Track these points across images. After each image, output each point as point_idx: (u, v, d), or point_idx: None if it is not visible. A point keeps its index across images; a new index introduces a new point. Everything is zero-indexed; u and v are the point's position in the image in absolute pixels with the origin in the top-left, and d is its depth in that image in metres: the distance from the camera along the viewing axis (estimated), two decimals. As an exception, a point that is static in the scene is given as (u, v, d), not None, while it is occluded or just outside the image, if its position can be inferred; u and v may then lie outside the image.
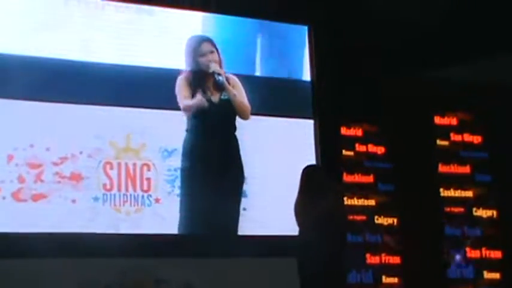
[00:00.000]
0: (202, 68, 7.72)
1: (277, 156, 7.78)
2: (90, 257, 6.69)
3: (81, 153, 7.32)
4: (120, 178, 7.47)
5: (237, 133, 7.81)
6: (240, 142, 7.76)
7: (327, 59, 8.12)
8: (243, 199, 7.63)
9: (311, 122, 8.11)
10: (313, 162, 7.77)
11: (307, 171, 5.73)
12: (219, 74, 7.66)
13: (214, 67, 7.67)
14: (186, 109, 7.66)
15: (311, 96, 8.16)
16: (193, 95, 7.68)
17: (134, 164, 7.53)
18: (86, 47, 7.50)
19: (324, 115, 8.06)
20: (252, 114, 7.81)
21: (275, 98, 8.02)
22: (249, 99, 7.78)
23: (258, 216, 7.60)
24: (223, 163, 7.66)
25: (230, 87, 7.73)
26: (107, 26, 7.59)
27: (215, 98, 7.73)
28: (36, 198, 7.07)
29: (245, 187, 7.68)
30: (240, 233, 7.54)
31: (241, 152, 7.72)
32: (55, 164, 7.20)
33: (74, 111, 7.37)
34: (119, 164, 7.48)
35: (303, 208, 5.59)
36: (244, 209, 7.65)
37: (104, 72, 7.51)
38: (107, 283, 6.66)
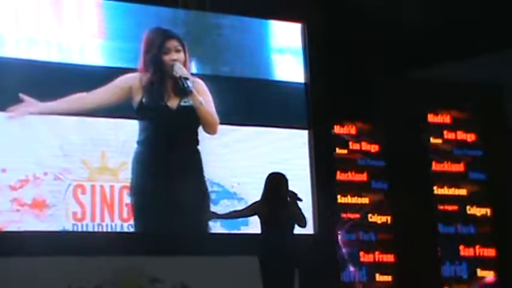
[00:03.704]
0: (164, 67, 6.86)
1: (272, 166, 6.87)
2: (83, 256, 6.23)
3: (45, 174, 6.32)
4: (94, 205, 6.47)
5: (200, 147, 6.92)
6: (203, 156, 6.86)
7: (320, 58, 7.93)
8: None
9: (305, 132, 7.65)
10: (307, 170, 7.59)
11: (272, 179, 5.81)
12: (186, 79, 6.80)
13: (180, 70, 6.81)
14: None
15: (305, 97, 7.77)
16: (142, 99, 6.74)
17: (111, 187, 6.55)
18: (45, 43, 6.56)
19: (318, 119, 7.81)
20: (247, 124, 7.16)
21: (267, 102, 7.41)
22: (239, 104, 7.10)
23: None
24: (179, 181, 6.73)
25: (197, 95, 6.86)
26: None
27: (173, 103, 6.85)
28: (-12, 231, 6.01)
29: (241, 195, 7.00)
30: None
31: (205, 167, 6.84)
32: (12, 188, 6.20)
33: (36, 122, 6.36)
34: (93, 187, 6.48)
35: (262, 210, 5.77)
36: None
37: (69, 73, 6.53)
38: (100, 282, 6.35)
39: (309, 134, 7.78)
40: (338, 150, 8.46)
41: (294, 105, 7.74)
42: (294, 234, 5.78)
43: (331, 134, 8.32)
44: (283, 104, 7.65)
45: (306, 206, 7.25)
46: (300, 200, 5.81)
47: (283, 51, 7.89)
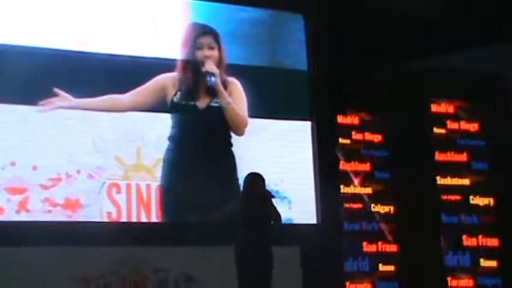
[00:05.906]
0: (196, 64, 6.72)
1: (276, 158, 6.95)
2: (86, 246, 6.06)
3: (78, 172, 6.00)
4: (130, 204, 6.20)
5: (234, 149, 6.72)
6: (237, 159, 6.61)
7: (323, 48, 7.90)
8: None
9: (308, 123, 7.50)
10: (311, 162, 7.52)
11: (250, 179, 5.84)
12: (212, 75, 6.64)
13: (208, 66, 6.68)
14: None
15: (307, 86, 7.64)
16: (173, 97, 6.61)
17: (148, 186, 6.28)
18: (76, 36, 6.30)
19: (321, 109, 7.74)
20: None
21: (271, 91, 7.17)
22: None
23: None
24: (204, 180, 6.53)
25: (224, 93, 6.74)
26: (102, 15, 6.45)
27: (202, 103, 6.72)
28: (18, 233, 5.66)
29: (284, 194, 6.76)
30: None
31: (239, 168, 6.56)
32: (44, 187, 5.89)
33: (67, 117, 6.05)
34: (128, 186, 6.19)
35: (240, 209, 5.83)
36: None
37: (102, 65, 6.24)
38: (103, 272, 6.23)
39: (312, 124, 7.70)
40: (341, 140, 8.37)
41: (296, 95, 7.63)
42: (270, 231, 5.77)
43: (334, 124, 8.28)
44: (286, 94, 7.53)
45: (309, 196, 7.36)
46: (274, 197, 5.79)
47: (286, 41, 7.75)
